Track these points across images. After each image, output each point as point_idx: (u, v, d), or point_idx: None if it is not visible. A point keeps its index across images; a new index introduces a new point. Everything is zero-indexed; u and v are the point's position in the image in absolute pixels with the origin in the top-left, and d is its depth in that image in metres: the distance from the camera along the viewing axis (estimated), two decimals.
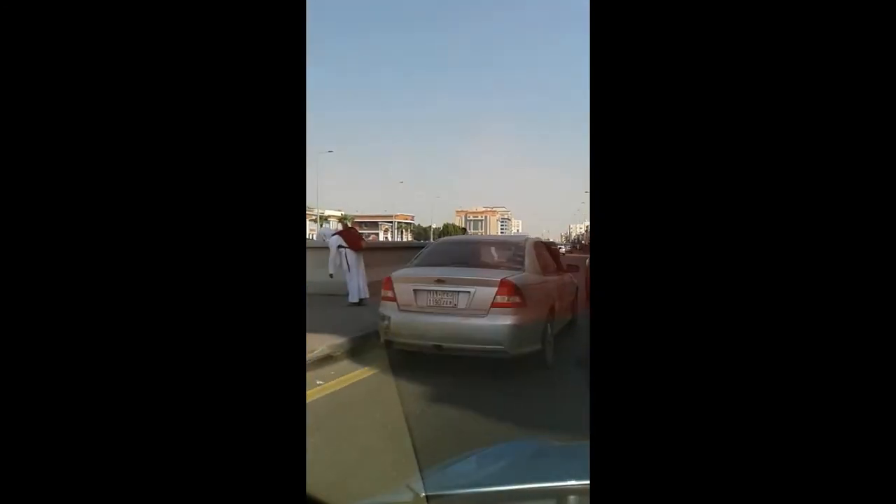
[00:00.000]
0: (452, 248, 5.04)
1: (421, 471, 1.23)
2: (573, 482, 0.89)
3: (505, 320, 3.53)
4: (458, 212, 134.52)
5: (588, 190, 0.71)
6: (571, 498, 0.87)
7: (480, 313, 3.57)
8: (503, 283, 3.60)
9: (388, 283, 3.91)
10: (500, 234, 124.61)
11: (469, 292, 3.62)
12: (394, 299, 3.82)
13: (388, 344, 3.86)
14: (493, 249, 4.68)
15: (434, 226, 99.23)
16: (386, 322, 3.78)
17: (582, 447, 0.97)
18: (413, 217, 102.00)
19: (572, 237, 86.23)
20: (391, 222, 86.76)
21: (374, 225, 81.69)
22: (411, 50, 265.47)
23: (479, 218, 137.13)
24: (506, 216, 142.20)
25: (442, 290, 3.69)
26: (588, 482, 0.67)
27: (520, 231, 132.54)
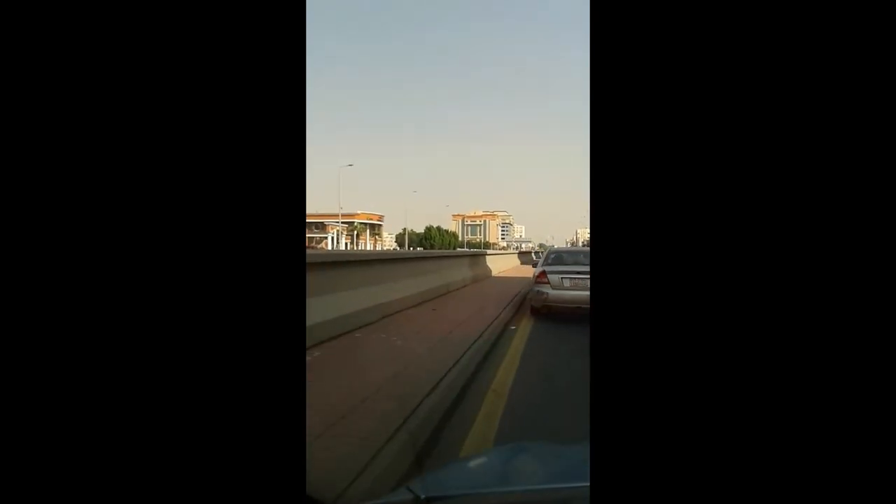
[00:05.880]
0: (569, 256, 8.04)
1: (422, 472, 1.27)
2: (573, 484, 0.91)
3: None
4: (454, 216, 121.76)
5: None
6: (571, 500, 0.88)
7: None
8: None
9: (543, 276, 6.88)
10: (500, 240, 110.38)
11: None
12: (547, 283, 6.80)
13: (546, 308, 6.87)
14: (586, 256, 7.82)
15: (410, 229, 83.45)
16: (544, 295, 6.77)
17: (582, 448, 1.00)
18: (382, 217, 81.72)
19: (580, 242, 73.13)
20: (348, 223, 67.93)
21: (321, 227, 65.82)
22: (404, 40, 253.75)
23: (478, 223, 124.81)
24: (507, 221, 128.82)
25: (579, 277, 6.71)
26: (588, 484, 0.67)
27: (522, 236, 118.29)
